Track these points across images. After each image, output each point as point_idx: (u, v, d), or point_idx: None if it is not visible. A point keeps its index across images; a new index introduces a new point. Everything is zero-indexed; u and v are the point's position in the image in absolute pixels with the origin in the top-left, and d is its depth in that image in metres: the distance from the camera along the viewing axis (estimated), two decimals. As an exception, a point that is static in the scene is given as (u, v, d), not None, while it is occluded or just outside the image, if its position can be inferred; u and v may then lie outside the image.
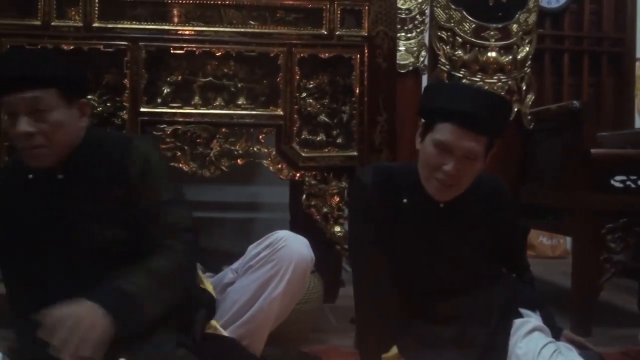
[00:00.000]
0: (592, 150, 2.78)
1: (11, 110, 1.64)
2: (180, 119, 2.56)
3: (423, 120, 1.89)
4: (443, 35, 3.02)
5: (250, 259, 1.80)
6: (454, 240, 1.92)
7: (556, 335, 1.88)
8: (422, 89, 3.20)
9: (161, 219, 1.74)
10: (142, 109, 2.54)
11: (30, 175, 1.74)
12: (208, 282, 1.91)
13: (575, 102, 2.94)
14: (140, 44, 2.53)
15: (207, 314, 1.78)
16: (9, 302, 1.81)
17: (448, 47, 3.02)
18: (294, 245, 1.76)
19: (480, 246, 1.96)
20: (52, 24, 2.51)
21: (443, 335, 1.89)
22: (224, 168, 2.62)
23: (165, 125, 2.56)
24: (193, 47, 2.56)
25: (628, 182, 2.89)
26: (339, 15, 2.63)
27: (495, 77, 2.95)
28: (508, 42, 2.98)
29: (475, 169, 1.81)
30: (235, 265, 1.87)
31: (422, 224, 1.91)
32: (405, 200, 1.91)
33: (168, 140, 2.55)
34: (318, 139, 2.64)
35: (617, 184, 2.89)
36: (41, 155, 1.68)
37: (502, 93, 2.90)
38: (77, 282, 1.68)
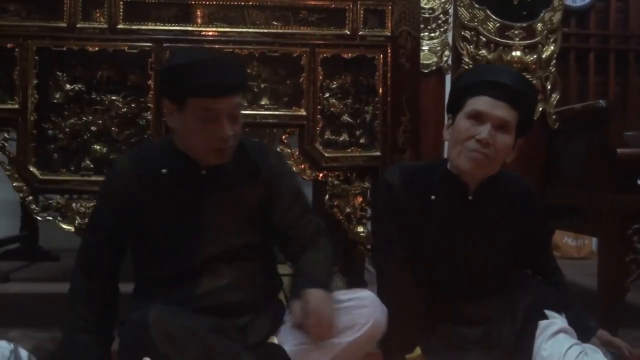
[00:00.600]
0: (618, 150, 2.75)
1: (214, 114, 1.69)
2: (204, 120, 2.57)
3: (450, 115, 1.92)
4: (467, 35, 3.01)
5: None
6: (482, 235, 1.92)
7: (589, 335, 1.86)
8: (446, 89, 3.20)
9: (308, 222, 1.93)
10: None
11: (164, 170, 1.80)
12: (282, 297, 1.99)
13: (601, 101, 2.92)
14: (164, 45, 2.55)
15: (271, 328, 1.82)
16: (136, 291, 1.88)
17: (472, 46, 3.00)
18: (376, 310, 1.78)
19: (507, 242, 1.95)
20: (78, 25, 2.54)
21: (468, 336, 1.88)
22: (247, 168, 2.63)
23: (189, 126, 2.57)
24: (216, 48, 2.57)
25: (655, 182, 2.85)
26: (362, 15, 2.63)
27: (520, 77, 2.93)
28: (533, 41, 2.95)
29: (506, 144, 1.82)
30: None
31: (451, 219, 1.91)
32: (433, 197, 1.91)
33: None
34: (341, 139, 2.64)
35: (644, 184, 2.86)
36: (229, 155, 1.78)
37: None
38: (205, 275, 1.80)
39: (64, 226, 2.57)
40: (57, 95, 2.54)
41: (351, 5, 2.62)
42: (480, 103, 1.80)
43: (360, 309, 1.76)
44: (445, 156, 1.95)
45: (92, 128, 2.55)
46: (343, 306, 1.77)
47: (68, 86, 2.55)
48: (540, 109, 2.93)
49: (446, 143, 1.94)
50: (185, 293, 1.76)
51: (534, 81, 2.94)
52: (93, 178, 2.55)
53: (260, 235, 1.91)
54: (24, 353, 1.73)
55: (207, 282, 1.78)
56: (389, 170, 2.05)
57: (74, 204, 2.56)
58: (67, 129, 2.55)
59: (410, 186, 1.93)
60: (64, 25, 2.54)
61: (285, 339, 1.78)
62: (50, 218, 2.58)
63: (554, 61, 3.02)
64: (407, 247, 1.91)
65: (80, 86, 2.55)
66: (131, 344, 1.58)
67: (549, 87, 3.01)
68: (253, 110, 2.59)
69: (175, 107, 1.73)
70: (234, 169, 1.84)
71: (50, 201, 2.57)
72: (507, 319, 1.87)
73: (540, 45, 2.97)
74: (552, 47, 3.01)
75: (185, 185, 1.81)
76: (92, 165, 2.56)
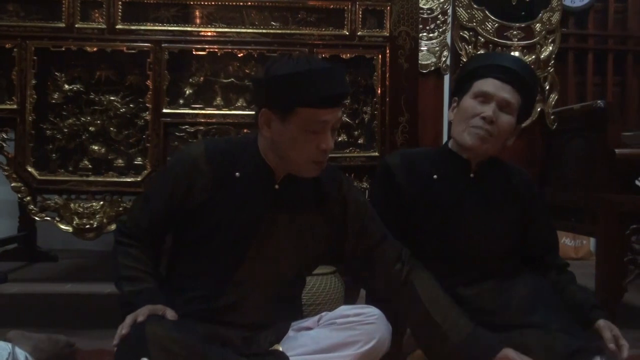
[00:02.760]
0: (617, 151, 2.75)
1: (321, 126, 1.68)
2: (203, 120, 2.57)
3: (455, 98, 2.00)
4: (465, 35, 3.01)
5: (337, 317, 1.80)
6: (484, 212, 1.97)
7: (596, 315, 1.88)
8: (445, 89, 3.20)
9: (387, 253, 1.88)
10: (164, 110, 2.55)
11: (237, 174, 1.77)
12: None
13: (599, 101, 2.92)
14: (162, 45, 2.55)
15: (277, 338, 1.81)
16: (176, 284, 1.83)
17: (470, 46, 3.01)
18: (381, 327, 1.77)
19: (508, 222, 1.99)
20: (77, 25, 2.54)
21: None
22: (246, 168, 2.63)
23: (187, 126, 2.57)
24: (215, 49, 2.57)
25: (653, 183, 2.86)
26: (360, 16, 2.63)
27: (518, 77, 2.93)
28: (531, 41, 2.96)
29: (508, 124, 1.91)
30: (319, 316, 1.87)
31: (453, 197, 1.97)
32: (435, 176, 1.98)
33: (190, 141, 2.56)
34: (339, 139, 2.63)
35: (642, 185, 2.86)
36: (322, 169, 1.76)
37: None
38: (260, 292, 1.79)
39: (62, 227, 2.57)
40: (56, 96, 2.54)
41: (350, 6, 2.62)
42: (487, 84, 1.90)
43: (366, 325, 1.75)
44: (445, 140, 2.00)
45: (90, 128, 2.55)
46: (348, 321, 1.76)
47: (66, 86, 2.55)
48: (539, 109, 2.94)
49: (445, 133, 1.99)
50: (209, 299, 1.74)
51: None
52: (91, 178, 2.55)
53: (314, 264, 1.93)
54: (21, 354, 1.73)
55: (234, 297, 1.76)
56: (390, 155, 2.13)
57: (72, 205, 2.56)
58: (66, 130, 2.55)
59: (411, 167, 2.00)
60: (63, 25, 2.54)
61: (290, 346, 1.78)
62: (49, 218, 2.58)
63: (553, 61, 3.03)
64: (405, 229, 1.96)
65: (78, 86, 2.55)
66: (128, 356, 1.57)
67: (547, 87, 3.02)
68: (251, 110, 2.58)
69: (277, 117, 1.68)
70: (306, 190, 1.81)
71: (49, 201, 2.57)
72: (503, 309, 1.89)
73: (538, 46, 2.98)
74: (550, 48, 3.02)
75: (255, 196, 1.77)
76: (90, 166, 2.56)
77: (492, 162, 2.02)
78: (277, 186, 1.78)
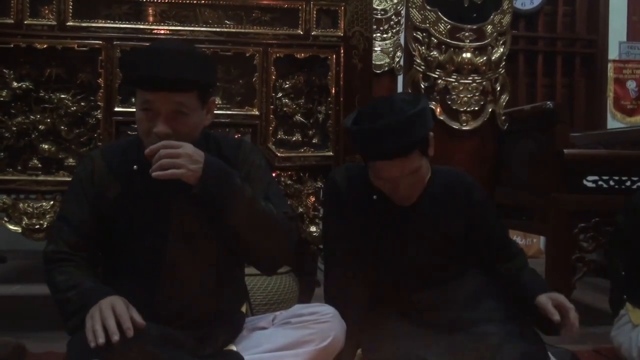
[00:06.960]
0: (565, 151, 2.80)
1: (151, 107, 1.63)
2: (155, 119, 2.54)
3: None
4: (418, 36, 3.03)
5: (292, 316, 1.80)
6: (425, 231, 1.97)
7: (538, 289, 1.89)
8: (398, 90, 3.23)
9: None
10: (116, 109, 2.52)
11: (135, 167, 1.74)
12: (245, 308, 1.94)
13: (548, 102, 2.97)
14: (114, 43, 2.52)
15: (228, 337, 1.79)
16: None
17: (423, 47, 3.03)
18: (336, 326, 1.77)
19: (452, 235, 1.99)
20: (25, 22, 2.49)
21: (410, 325, 1.92)
22: (199, 168, 2.61)
23: (140, 125, 2.54)
24: (168, 47, 2.55)
25: (600, 182, 2.93)
26: (314, 16, 2.63)
27: (470, 78, 2.96)
28: (483, 43, 2.99)
29: (421, 178, 1.89)
30: (273, 316, 1.86)
31: (393, 217, 1.96)
32: (375, 197, 1.95)
33: (143, 140, 2.53)
34: (294, 139, 2.64)
35: (590, 184, 2.92)
36: None
37: (477, 93, 2.92)
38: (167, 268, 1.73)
39: (11, 227, 2.52)
40: (4, 93, 2.49)
41: (304, 6, 2.62)
42: (381, 170, 1.84)
43: (321, 323, 1.76)
44: None
45: (40, 127, 2.51)
46: (303, 320, 1.76)
47: (15, 84, 2.50)
48: (490, 109, 2.97)
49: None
50: (146, 299, 1.70)
51: (484, 82, 2.98)
52: (41, 178, 2.51)
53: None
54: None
55: (169, 289, 1.73)
56: (336, 170, 2.10)
57: (21, 204, 2.51)
58: (14, 128, 2.50)
59: (354, 185, 1.98)
60: (11, 21, 2.49)
61: (244, 346, 1.77)
62: (-4, 219, 2.53)
63: (504, 63, 3.07)
64: (355, 243, 1.95)
65: (28, 84, 2.51)
66: (79, 358, 1.55)
67: (498, 88, 3.06)
68: (206, 109, 2.57)
69: (136, 98, 1.68)
70: None
71: (-4, 201, 2.52)
72: (452, 309, 1.92)
73: (490, 47, 3.02)
74: (501, 49, 3.06)
75: (156, 184, 1.70)
76: (40, 165, 2.52)
77: (427, 180, 1.97)
78: None
